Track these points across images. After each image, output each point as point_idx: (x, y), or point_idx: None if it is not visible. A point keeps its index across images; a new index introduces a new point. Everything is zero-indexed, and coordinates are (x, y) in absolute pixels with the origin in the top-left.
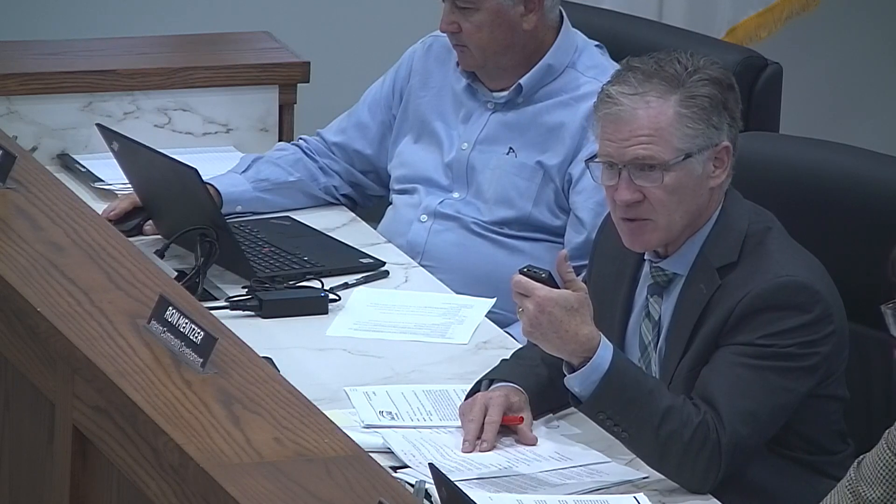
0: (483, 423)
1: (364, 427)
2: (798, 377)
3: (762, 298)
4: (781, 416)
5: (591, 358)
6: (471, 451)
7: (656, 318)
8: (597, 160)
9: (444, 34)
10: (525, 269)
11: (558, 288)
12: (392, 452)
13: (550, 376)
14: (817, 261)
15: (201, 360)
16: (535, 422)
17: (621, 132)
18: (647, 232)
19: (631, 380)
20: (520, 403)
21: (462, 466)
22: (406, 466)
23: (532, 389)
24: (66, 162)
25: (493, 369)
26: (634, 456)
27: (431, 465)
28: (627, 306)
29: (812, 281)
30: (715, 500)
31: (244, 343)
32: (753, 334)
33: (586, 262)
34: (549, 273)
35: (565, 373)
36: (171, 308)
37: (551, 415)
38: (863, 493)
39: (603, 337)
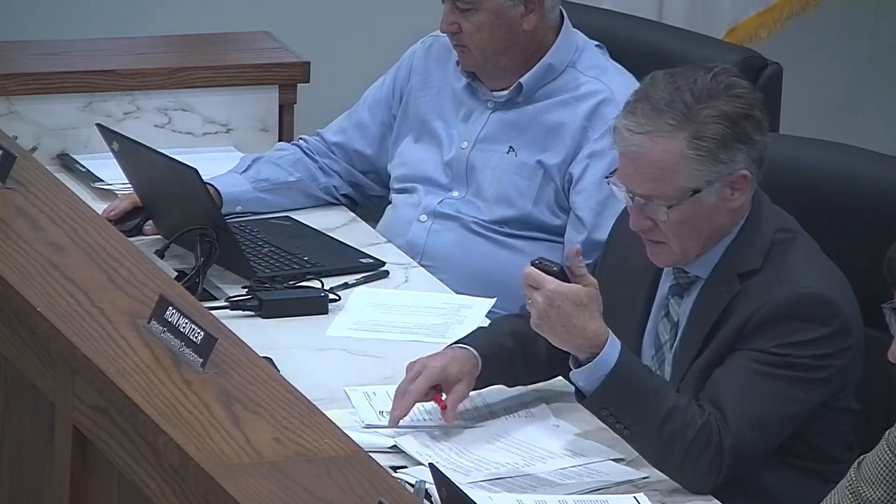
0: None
1: (364, 427)
2: (809, 388)
3: (782, 308)
4: (789, 425)
5: (597, 354)
6: (396, 421)
7: (675, 319)
8: (614, 180)
9: (445, 34)
10: (537, 262)
11: (569, 282)
12: (391, 452)
13: (514, 350)
14: (840, 273)
15: (201, 360)
16: (534, 422)
17: (629, 167)
18: (664, 253)
19: (636, 378)
20: (458, 375)
21: (480, 467)
22: (405, 467)
23: (489, 355)
24: (66, 162)
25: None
26: (635, 456)
27: (431, 465)
28: (648, 303)
29: (834, 295)
30: (716, 500)
31: (244, 343)
32: (769, 342)
33: (588, 261)
34: (561, 267)
35: (571, 367)
36: (171, 308)
37: (551, 417)
38: (863, 494)
39: (611, 334)
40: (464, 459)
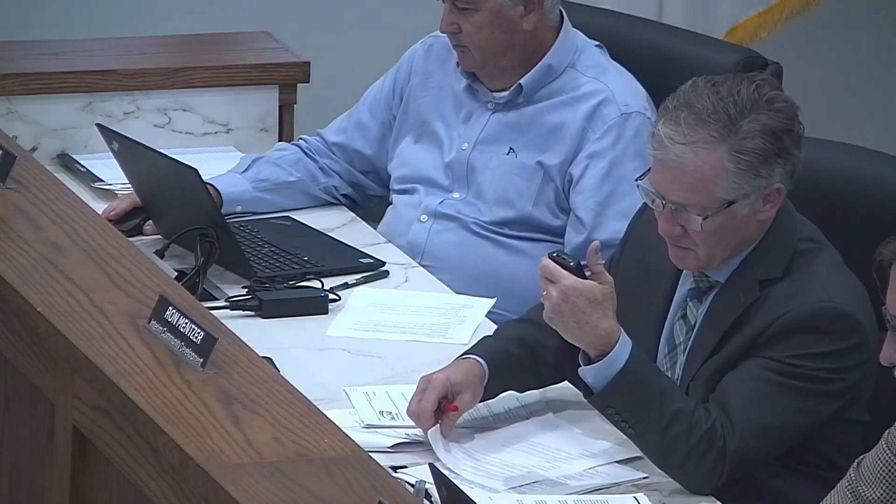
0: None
1: (364, 427)
2: (820, 401)
3: (802, 320)
4: (796, 436)
5: (608, 352)
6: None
7: (692, 322)
8: (646, 184)
9: (445, 34)
10: (554, 255)
11: (585, 278)
12: (391, 452)
13: (521, 356)
14: (861, 286)
15: (201, 360)
16: (536, 426)
17: (666, 175)
18: (689, 258)
19: (644, 379)
20: (462, 383)
21: (503, 471)
22: (405, 466)
23: (495, 362)
24: (66, 162)
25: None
26: (636, 456)
27: (431, 465)
28: (667, 304)
29: (855, 310)
30: (717, 501)
31: (244, 343)
32: (785, 352)
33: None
34: (578, 262)
35: (580, 363)
36: (171, 308)
37: (551, 414)
38: (862, 493)
39: (623, 333)
40: (486, 465)
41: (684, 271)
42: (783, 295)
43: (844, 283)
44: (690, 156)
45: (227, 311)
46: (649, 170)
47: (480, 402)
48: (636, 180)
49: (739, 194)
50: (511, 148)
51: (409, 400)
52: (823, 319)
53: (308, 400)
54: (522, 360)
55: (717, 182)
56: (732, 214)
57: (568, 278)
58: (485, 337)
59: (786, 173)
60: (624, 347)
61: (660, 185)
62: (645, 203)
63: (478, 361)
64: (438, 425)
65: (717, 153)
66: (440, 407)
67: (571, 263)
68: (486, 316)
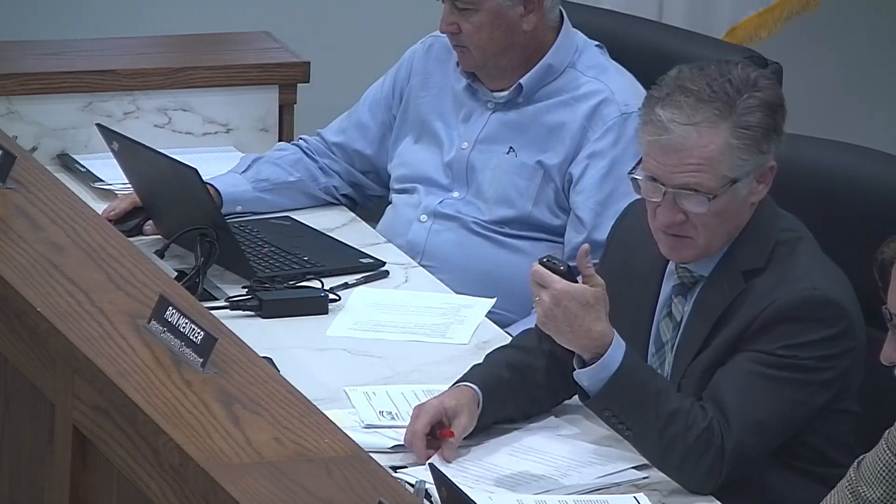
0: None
1: (364, 427)
2: (813, 391)
3: (787, 309)
4: (790, 428)
5: (602, 355)
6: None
7: (678, 318)
8: (640, 174)
9: (445, 34)
10: (545, 260)
11: (576, 282)
12: (391, 452)
13: (511, 380)
14: (844, 275)
15: (201, 360)
16: (535, 432)
17: (670, 158)
18: (687, 248)
19: (640, 381)
20: (456, 408)
21: (520, 482)
22: (405, 467)
23: (488, 387)
24: (66, 162)
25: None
26: (642, 464)
27: (431, 465)
28: (653, 303)
29: (839, 297)
30: (717, 501)
31: (244, 343)
32: (774, 343)
33: (595, 260)
34: (569, 266)
35: (575, 366)
36: (171, 308)
37: (552, 417)
38: (863, 494)
39: (616, 335)
40: (487, 472)
41: (668, 269)
42: (767, 285)
43: (827, 270)
44: (696, 136)
45: (227, 311)
46: (640, 162)
47: (477, 430)
48: (629, 173)
49: (742, 172)
50: (511, 147)
51: (409, 400)
52: (810, 307)
53: (308, 400)
54: (514, 383)
55: (722, 160)
56: (735, 194)
57: (559, 282)
58: (474, 365)
59: (777, 150)
60: (618, 349)
61: (662, 170)
62: (627, 207)
63: (470, 386)
64: (437, 454)
65: (720, 131)
66: (437, 435)
67: (562, 268)
68: (486, 316)
